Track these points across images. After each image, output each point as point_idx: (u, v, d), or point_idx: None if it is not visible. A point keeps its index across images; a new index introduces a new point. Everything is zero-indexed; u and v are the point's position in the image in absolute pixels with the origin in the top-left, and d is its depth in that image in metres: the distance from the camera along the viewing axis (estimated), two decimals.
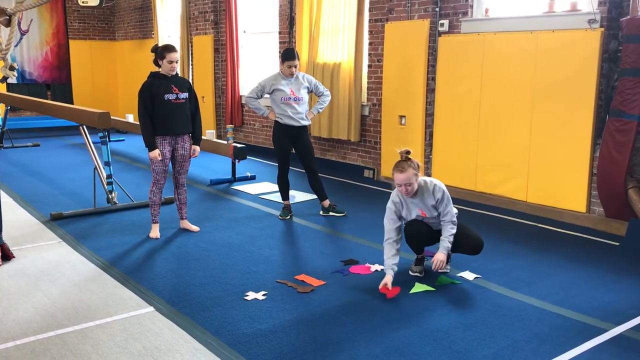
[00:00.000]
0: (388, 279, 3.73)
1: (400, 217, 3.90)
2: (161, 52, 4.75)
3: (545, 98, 5.55)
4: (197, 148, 5.01)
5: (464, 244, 3.99)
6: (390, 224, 3.86)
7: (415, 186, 3.78)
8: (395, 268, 3.80)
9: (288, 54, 5.39)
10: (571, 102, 5.35)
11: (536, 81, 5.61)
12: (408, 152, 3.76)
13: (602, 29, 5.11)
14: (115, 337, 3.15)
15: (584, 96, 5.26)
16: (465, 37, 6.25)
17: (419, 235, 3.99)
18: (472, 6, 6.25)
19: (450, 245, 3.84)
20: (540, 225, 5.41)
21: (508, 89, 5.83)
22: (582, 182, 5.37)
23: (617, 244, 4.86)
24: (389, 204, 3.89)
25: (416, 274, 4.09)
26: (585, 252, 4.65)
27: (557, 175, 5.53)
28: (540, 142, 5.63)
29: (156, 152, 4.76)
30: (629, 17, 4.89)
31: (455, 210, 3.99)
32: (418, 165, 3.78)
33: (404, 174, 3.70)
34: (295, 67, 5.40)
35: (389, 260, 3.80)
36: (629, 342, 3.15)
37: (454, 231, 3.86)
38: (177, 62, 4.78)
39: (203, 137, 5.88)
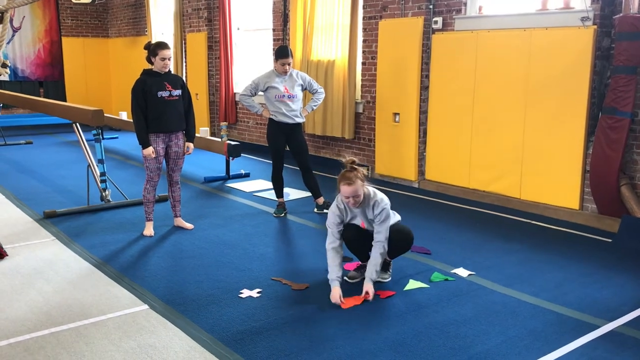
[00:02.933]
0: (336, 291, 3.57)
1: (342, 222, 3.77)
2: (154, 49, 4.74)
3: (538, 95, 5.56)
4: (191, 145, 5.00)
5: (395, 239, 3.80)
6: (333, 227, 3.72)
7: (362, 197, 3.65)
8: (340, 280, 3.65)
9: (282, 52, 5.39)
10: (564, 100, 5.37)
11: (529, 78, 5.63)
12: (354, 162, 3.61)
13: (595, 27, 5.13)
14: (110, 335, 3.15)
15: (577, 93, 5.28)
16: (459, 35, 6.26)
17: (354, 239, 3.86)
18: (465, 4, 6.26)
19: (375, 275, 3.65)
20: (533, 222, 5.44)
21: (502, 86, 5.85)
22: (575, 179, 5.39)
23: (609, 240, 4.88)
24: (333, 209, 3.74)
25: (352, 280, 3.93)
26: (578, 249, 4.67)
27: (551, 173, 5.56)
28: (533, 139, 5.65)
29: (150, 150, 4.74)
30: (621, 14, 4.91)
31: (398, 218, 3.90)
32: (365, 176, 3.65)
33: (351, 186, 3.54)
34: (289, 64, 5.39)
35: (334, 271, 3.64)
36: (622, 338, 3.17)
37: (383, 253, 3.68)
38: (169, 59, 4.76)
39: (197, 135, 5.87)
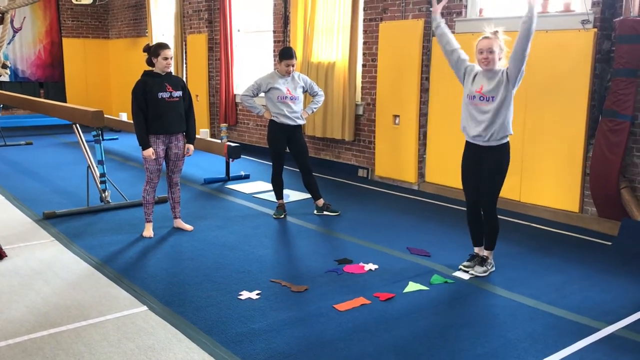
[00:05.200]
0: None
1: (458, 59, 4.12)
2: (155, 49, 4.74)
3: (539, 98, 5.56)
4: (191, 147, 5.00)
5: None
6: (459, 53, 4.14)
7: (496, 61, 3.84)
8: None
9: (286, 53, 5.39)
10: (565, 102, 5.37)
11: (530, 81, 5.62)
12: (497, 32, 3.83)
13: (595, 30, 5.13)
14: (109, 337, 3.14)
15: (578, 96, 5.28)
16: (459, 37, 6.20)
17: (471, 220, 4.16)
18: (466, 6, 6.26)
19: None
20: (533, 224, 5.43)
21: None
22: (575, 182, 5.39)
23: (609, 243, 4.88)
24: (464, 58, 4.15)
25: (468, 270, 4.13)
26: (578, 252, 4.67)
27: (551, 175, 5.55)
28: (533, 141, 5.65)
29: (150, 151, 4.74)
30: (621, 17, 4.91)
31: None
32: (502, 48, 3.85)
33: (489, 40, 3.81)
34: (293, 66, 5.40)
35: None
36: (621, 342, 3.17)
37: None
38: (171, 59, 4.77)
39: (197, 136, 5.87)
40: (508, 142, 4.00)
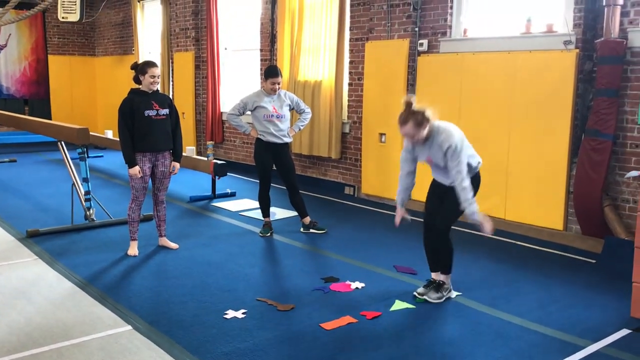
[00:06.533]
0: (398, 212, 3.99)
1: (413, 158, 3.93)
2: (142, 67, 4.75)
3: (522, 117, 5.63)
4: (177, 165, 4.98)
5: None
6: (403, 163, 3.97)
7: (422, 135, 3.67)
8: (401, 202, 4.02)
9: (271, 71, 5.42)
10: (548, 121, 5.44)
11: (514, 100, 5.70)
12: (410, 103, 3.66)
13: (577, 50, 5.22)
14: (92, 357, 3.10)
15: (561, 115, 5.35)
16: (444, 57, 6.34)
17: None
18: (450, 26, 6.35)
19: (472, 207, 3.62)
20: (518, 242, 5.47)
21: (486, 108, 5.92)
22: (559, 200, 5.45)
23: (593, 261, 4.92)
24: (404, 143, 3.93)
25: (421, 296, 3.97)
26: (562, 270, 4.70)
27: (535, 193, 5.61)
28: (517, 160, 5.71)
29: (136, 169, 4.72)
30: (603, 39, 5.01)
31: (478, 159, 3.86)
32: (424, 115, 3.63)
33: (404, 127, 3.65)
34: (279, 84, 5.42)
35: (398, 194, 4.04)
36: (606, 359, 3.18)
37: (464, 185, 3.61)
38: (159, 77, 4.78)
39: (183, 154, 5.85)
40: (476, 174, 3.92)
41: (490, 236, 5.62)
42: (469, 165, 3.76)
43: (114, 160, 10.01)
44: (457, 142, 3.66)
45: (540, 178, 5.55)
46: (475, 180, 3.89)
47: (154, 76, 4.73)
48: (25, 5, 10.24)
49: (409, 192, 4.07)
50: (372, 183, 7.14)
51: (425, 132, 3.68)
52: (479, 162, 3.91)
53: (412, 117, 3.63)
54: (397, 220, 4.00)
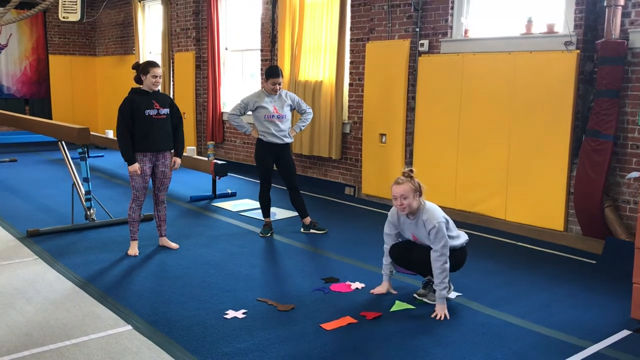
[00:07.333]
0: (382, 286, 4.06)
1: (397, 234, 3.99)
2: (144, 67, 4.75)
3: (523, 118, 5.63)
4: (178, 160, 4.98)
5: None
6: (387, 237, 4.02)
7: (413, 205, 3.72)
8: (388, 276, 4.05)
9: (272, 72, 5.41)
10: (548, 122, 5.44)
11: (514, 101, 5.70)
12: (411, 171, 3.77)
13: (578, 51, 5.22)
14: (92, 357, 3.10)
15: (561, 116, 5.35)
16: (444, 57, 6.34)
17: (402, 258, 3.98)
18: (451, 27, 6.35)
19: (444, 292, 3.72)
20: (518, 243, 5.46)
21: (487, 108, 5.92)
22: (559, 200, 5.44)
23: (594, 262, 4.92)
24: (388, 217, 4.00)
25: (420, 297, 4.00)
26: (563, 270, 4.70)
27: (535, 194, 5.60)
28: (518, 161, 5.71)
29: (136, 166, 4.72)
30: (603, 39, 5.01)
31: (463, 240, 3.92)
32: (420, 186, 3.73)
33: (400, 186, 3.70)
34: (280, 84, 5.42)
35: (384, 268, 4.07)
36: None
37: (444, 267, 3.69)
38: (160, 77, 4.78)
39: (184, 154, 5.86)
40: (463, 248, 3.95)
41: (491, 237, 5.63)
42: (452, 247, 3.82)
43: (114, 160, 10.00)
44: (441, 223, 3.73)
45: (541, 178, 5.55)
46: (462, 255, 3.96)
47: (155, 76, 4.73)
48: (26, 5, 10.27)
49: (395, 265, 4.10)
50: (373, 183, 7.14)
51: (416, 203, 3.74)
52: (465, 241, 3.97)
53: (411, 182, 3.72)
54: (380, 291, 4.05)
